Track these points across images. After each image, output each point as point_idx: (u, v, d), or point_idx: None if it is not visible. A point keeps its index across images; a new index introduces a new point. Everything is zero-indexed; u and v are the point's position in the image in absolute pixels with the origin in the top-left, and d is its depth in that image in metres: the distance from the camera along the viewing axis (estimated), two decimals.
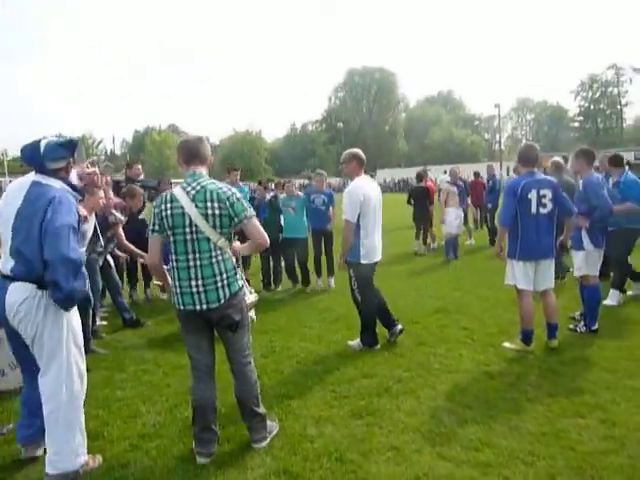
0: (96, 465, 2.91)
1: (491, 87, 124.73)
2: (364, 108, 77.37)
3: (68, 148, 2.86)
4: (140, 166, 7.75)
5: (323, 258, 7.63)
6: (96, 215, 4.73)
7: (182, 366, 4.17)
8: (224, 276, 2.81)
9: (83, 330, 4.71)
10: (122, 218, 5.50)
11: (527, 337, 4.57)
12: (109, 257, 5.75)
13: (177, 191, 2.83)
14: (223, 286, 2.81)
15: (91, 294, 4.14)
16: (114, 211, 5.35)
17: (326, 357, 4.59)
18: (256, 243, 2.91)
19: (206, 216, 2.74)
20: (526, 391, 3.73)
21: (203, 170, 2.90)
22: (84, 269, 2.79)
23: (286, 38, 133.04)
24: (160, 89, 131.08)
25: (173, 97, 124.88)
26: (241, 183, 7.90)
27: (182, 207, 2.76)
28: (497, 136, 66.73)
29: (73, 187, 2.89)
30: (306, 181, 26.06)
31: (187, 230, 2.77)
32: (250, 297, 3.38)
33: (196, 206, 2.75)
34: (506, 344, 4.67)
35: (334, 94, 78.55)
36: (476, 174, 13.05)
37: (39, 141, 2.79)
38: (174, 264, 2.86)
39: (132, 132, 71.23)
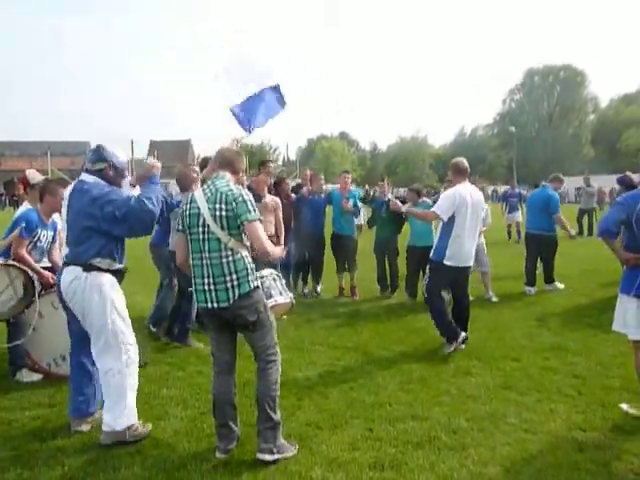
0: (144, 432, 3.17)
1: None
2: (544, 111, 70.58)
3: (97, 153, 3.23)
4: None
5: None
6: None
7: (240, 374, 3.99)
8: (234, 277, 2.83)
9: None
10: None
11: None
12: None
13: (197, 192, 2.93)
14: (233, 286, 2.83)
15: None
16: None
17: (384, 387, 4.02)
18: (256, 250, 2.88)
19: (214, 217, 2.80)
20: (626, 477, 2.73)
21: (227, 174, 2.97)
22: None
23: (454, 40, 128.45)
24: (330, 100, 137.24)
25: (343, 107, 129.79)
26: (352, 187, 7.46)
27: (198, 207, 2.85)
28: None
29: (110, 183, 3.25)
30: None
31: (200, 230, 2.84)
32: (279, 299, 3.27)
33: (208, 207, 2.81)
34: (624, 406, 3.55)
35: (510, 96, 73.21)
36: None
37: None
38: (191, 262, 2.95)
39: (306, 140, 76.08)
